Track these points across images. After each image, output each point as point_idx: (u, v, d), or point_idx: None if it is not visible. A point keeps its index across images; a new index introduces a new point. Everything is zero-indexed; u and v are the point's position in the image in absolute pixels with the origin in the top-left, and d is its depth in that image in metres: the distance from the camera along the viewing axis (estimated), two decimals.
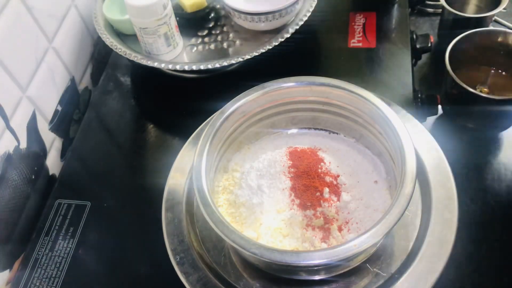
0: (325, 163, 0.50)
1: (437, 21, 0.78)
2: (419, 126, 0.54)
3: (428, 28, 0.80)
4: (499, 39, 0.63)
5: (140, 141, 0.67)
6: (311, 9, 0.67)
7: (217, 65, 0.63)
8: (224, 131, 0.50)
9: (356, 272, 0.46)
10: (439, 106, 0.64)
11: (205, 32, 0.72)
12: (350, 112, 0.51)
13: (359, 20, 0.73)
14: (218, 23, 0.73)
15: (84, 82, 0.76)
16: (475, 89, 0.58)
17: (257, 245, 0.40)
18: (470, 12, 0.76)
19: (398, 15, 0.74)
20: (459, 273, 0.50)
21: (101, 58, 0.79)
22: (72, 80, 0.72)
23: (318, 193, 0.48)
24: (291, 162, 0.51)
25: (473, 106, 0.59)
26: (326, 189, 0.48)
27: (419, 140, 0.52)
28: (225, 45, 0.69)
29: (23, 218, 0.59)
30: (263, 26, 0.67)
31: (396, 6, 0.75)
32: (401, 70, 0.66)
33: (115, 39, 0.68)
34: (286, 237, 0.46)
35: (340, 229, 0.46)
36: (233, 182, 0.51)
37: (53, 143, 0.67)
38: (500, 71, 0.65)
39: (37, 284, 0.53)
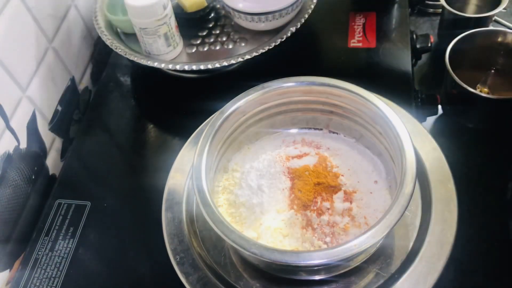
0: (325, 163, 0.50)
1: (437, 21, 0.79)
2: (419, 126, 0.54)
3: (428, 28, 0.81)
4: (499, 39, 0.63)
5: (140, 141, 0.67)
6: (311, 9, 0.67)
7: (217, 65, 0.63)
8: (224, 131, 0.50)
9: (356, 272, 0.46)
10: (439, 106, 0.64)
11: (205, 32, 0.72)
12: (350, 112, 0.51)
13: (359, 20, 0.73)
14: (218, 23, 0.73)
15: (84, 82, 0.76)
16: (475, 89, 0.58)
17: (257, 245, 0.40)
18: (470, 12, 0.76)
19: (398, 15, 0.74)
20: (459, 273, 0.50)
21: (101, 58, 0.79)
22: (72, 80, 0.72)
23: (318, 193, 0.48)
24: (291, 162, 0.51)
25: (473, 106, 0.60)
26: (326, 189, 0.48)
27: (419, 140, 0.52)
28: (225, 45, 0.69)
29: (23, 218, 0.59)
30: (263, 26, 0.67)
31: (396, 6, 0.75)
32: (401, 70, 0.66)
33: (115, 39, 0.68)
34: (286, 237, 0.46)
35: (340, 229, 0.46)
36: (233, 182, 0.51)
37: (53, 143, 0.67)
38: (500, 71, 0.65)
39: (37, 284, 0.53)
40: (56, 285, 0.53)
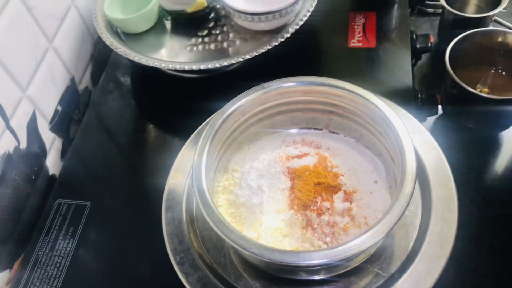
0: (325, 163, 0.50)
1: (437, 21, 0.78)
2: (419, 126, 0.54)
3: (428, 28, 0.80)
4: (499, 39, 0.63)
5: (140, 141, 0.67)
6: (311, 9, 0.67)
7: (217, 65, 0.63)
8: (224, 131, 0.50)
9: (356, 272, 0.46)
10: (439, 106, 0.64)
11: (205, 32, 0.72)
12: (350, 112, 0.51)
13: (359, 20, 0.73)
14: (218, 23, 0.73)
15: (84, 82, 0.76)
16: (475, 89, 0.58)
17: (257, 245, 0.40)
18: (470, 12, 0.76)
19: (398, 15, 0.74)
20: (459, 273, 0.50)
21: (101, 58, 0.79)
22: (72, 80, 0.72)
23: (318, 193, 0.48)
24: (291, 162, 0.51)
25: (473, 106, 0.59)
26: (326, 189, 0.48)
27: (419, 140, 0.52)
28: (225, 45, 0.69)
29: (23, 218, 0.59)
30: (263, 26, 0.67)
31: (396, 6, 0.75)
32: (401, 70, 0.66)
33: (115, 39, 0.68)
34: (286, 237, 0.46)
35: (340, 229, 0.46)
36: (233, 182, 0.51)
37: (53, 143, 0.67)
38: (500, 71, 0.65)
39: (37, 284, 0.53)
40: (56, 285, 0.53)
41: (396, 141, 0.45)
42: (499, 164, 0.60)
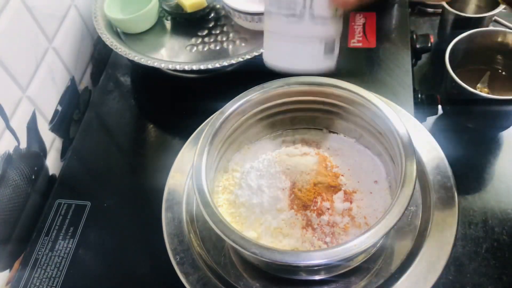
0: (325, 163, 0.50)
1: (437, 21, 0.79)
2: (419, 126, 0.54)
3: (428, 28, 0.81)
4: (499, 39, 0.63)
5: (140, 141, 0.67)
6: None
7: (217, 65, 0.63)
8: (224, 131, 0.50)
9: (356, 272, 0.46)
10: (439, 106, 0.64)
11: (205, 32, 0.72)
12: (350, 112, 0.51)
13: (359, 20, 0.73)
14: (218, 23, 0.73)
15: (84, 82, 0.76)
16: (475, 89, 0.58)
17: (257, 245, 0.40)
18: (470, 12, 0.76)
19: (398, 15, 0.74)
20: (459, 273, 0.50)
21: (101, 58, 0.79)
22: (72, 80, 0.72)
23: (318, 193, 0.48)
24: (291, 162, 0.51)
25: (473, 106, 0.59)
26: (326, 189, 0.48)
27: (419, 140, 0.52)
28: (225, 45, 0.69)
29: (23, 218, 0.59)
30: (263, 26, 0.67)
31: (396, 6, 0.75)
32: (401, 70, 0.66)
33: (115, 39, 0.68)
34: (286, 237, 0.46)
35: (340, 229, 0.46)
36: (233, 182, 0.51)
37: (53, 143, 0.67)
38: (500, 71, 0.65)
39: (37, 284, 0.53)
40: (56, 285, 0.53)
41: (396, 141, 0.45)
42: (499, 164, 0.60)
